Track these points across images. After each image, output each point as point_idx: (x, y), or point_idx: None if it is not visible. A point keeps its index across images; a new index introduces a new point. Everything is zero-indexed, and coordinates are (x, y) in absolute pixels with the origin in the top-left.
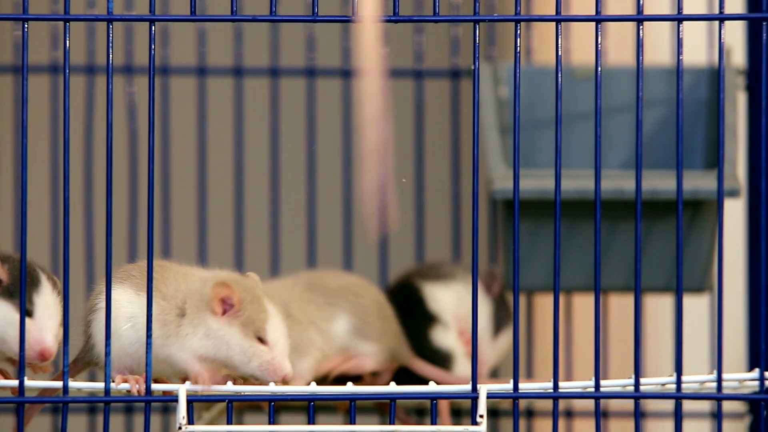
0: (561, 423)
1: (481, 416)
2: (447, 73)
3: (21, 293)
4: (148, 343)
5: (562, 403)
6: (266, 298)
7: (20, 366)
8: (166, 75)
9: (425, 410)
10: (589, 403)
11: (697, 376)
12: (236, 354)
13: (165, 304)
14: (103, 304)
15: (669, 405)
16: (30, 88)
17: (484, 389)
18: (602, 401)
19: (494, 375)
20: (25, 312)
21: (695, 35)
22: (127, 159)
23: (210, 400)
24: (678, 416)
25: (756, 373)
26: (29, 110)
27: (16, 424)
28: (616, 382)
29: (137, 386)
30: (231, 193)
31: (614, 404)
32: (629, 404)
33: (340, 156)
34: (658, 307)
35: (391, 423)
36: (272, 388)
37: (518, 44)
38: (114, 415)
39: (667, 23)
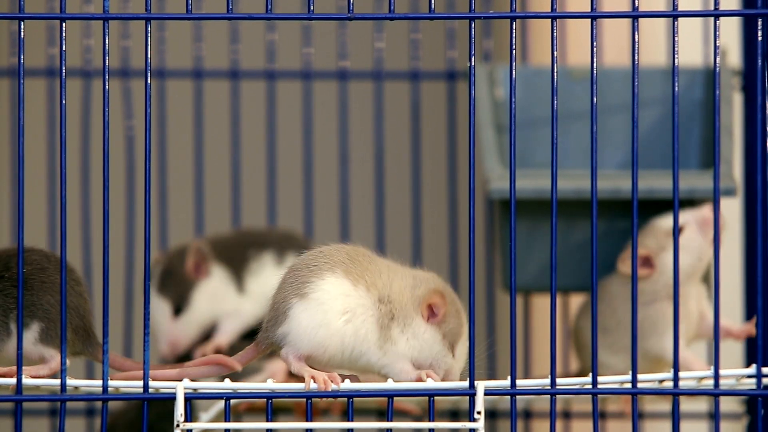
0: (558, 425)
1: (479, 413)
2: (443, 75)
3: (19, 295)
4: (146, 341)
5: (559, 404)
6: (464, 313)
7: (18, 364)
8: (162, 78)
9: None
10: (587, 405)
11: (695, 372)
12: (434, 358)
13: (384, 308)
14: (316, 294)
15: (666, 406)
16: (27, 91)
17: (481, 386)
18: (600, 403)
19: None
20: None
21: (690, 36)
22: (124, 160)
23: (208, 398)
24: (675, 413)
25: (753, 369)
26: (26, 113)
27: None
28: (614, 378)
29: (324, 385)
30: (228, 195)
31: (612, 406)
32: (627, 406)
33: (336, 157)
34: None
35: (389, 420)
36: (270, 386)
37: (513, 41)
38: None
39: (663, 23)
